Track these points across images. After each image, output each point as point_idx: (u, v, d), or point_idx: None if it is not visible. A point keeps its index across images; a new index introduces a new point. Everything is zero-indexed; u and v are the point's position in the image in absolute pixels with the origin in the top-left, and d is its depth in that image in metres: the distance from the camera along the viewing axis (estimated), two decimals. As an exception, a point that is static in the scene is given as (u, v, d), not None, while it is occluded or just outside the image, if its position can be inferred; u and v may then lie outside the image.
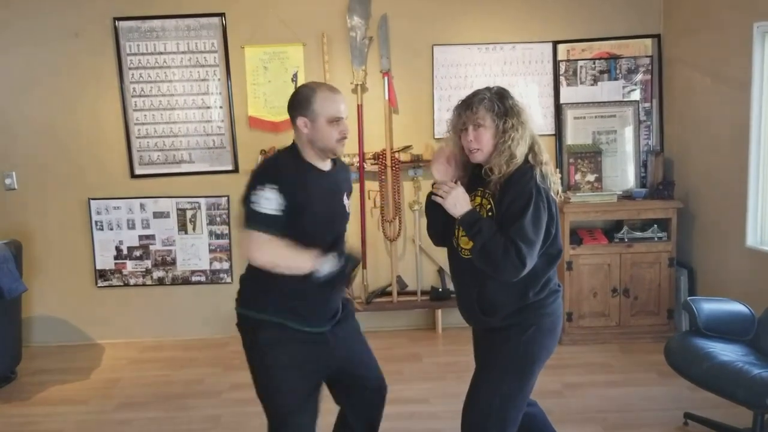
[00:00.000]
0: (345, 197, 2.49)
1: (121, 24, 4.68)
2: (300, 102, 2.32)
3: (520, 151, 2.27)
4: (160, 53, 4.73)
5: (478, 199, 2.37)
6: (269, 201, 2.20)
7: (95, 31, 4.71)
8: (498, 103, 2.30)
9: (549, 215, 2.27)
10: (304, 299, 2.33)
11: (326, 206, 2.38)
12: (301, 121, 2.31)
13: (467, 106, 2.33)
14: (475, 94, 2.34)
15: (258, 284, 2.36)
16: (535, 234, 2.21)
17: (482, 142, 2.31)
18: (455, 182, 2.37)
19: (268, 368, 2.38)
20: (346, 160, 4.77)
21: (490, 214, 2.31)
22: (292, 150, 2.39)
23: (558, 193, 2.35)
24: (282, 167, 2.33)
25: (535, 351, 2.38)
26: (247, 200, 2.22)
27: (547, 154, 2.37)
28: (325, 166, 2.41)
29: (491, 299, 2.37)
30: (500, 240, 2.20)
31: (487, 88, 2.37)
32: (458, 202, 2.31)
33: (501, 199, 2.27)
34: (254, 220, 2.20)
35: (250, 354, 2.39)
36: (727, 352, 3.04)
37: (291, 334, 2.34)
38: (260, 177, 2.26)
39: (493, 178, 2.30)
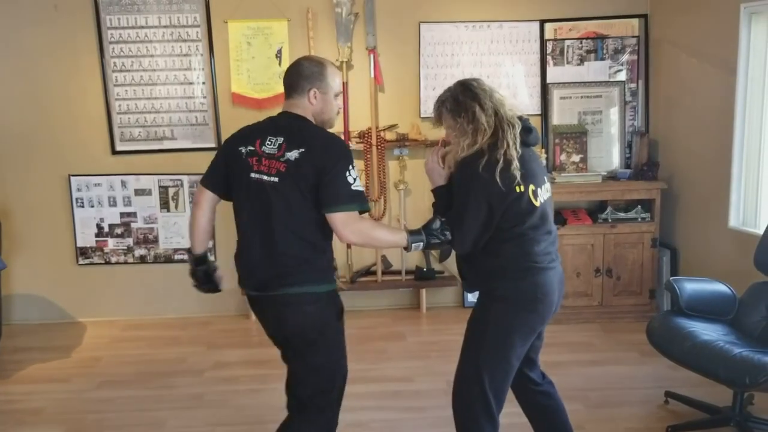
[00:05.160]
0: None
1: (101, -3, 4.59)
2: (312, 74, 2.35)
3: (465, 144, 2.38)
4: (142, 27, 4.64)
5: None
6: (358, 179, 2.32)
7: (75, 4, 4.60)
8: (452, 103, 2.44)
9: (488, 204, 2.31)
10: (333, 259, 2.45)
11: None
12: (312, 92, 2.34)
13: (434, 109, 2.53)
14: (440, 96, 2.51)
15: (325, 256, 2.40)
16: (460, 222, 2.36)
17: (450, 138, 2.49)
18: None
19: (341, 329, 2.43)
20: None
21: None
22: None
23: (516, 180, 2.31)
24: None
25: (509, 323, 2.40)
26: (347, 178, 2.25)
27: (514, 136, 2.36)
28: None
29: (459, 264, 2.58)
30: (444, 221, 2.43)
31: (449, 87, 2.49)
32: (432, 176, 2.52)
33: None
34: (361, 200, 2.29)
35: (326, 327, 2.38)
36: (708, 331, 3.07)
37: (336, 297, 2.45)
38: (350, 154, 2.33)
39: (452, 172, 2.48)
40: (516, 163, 2.33)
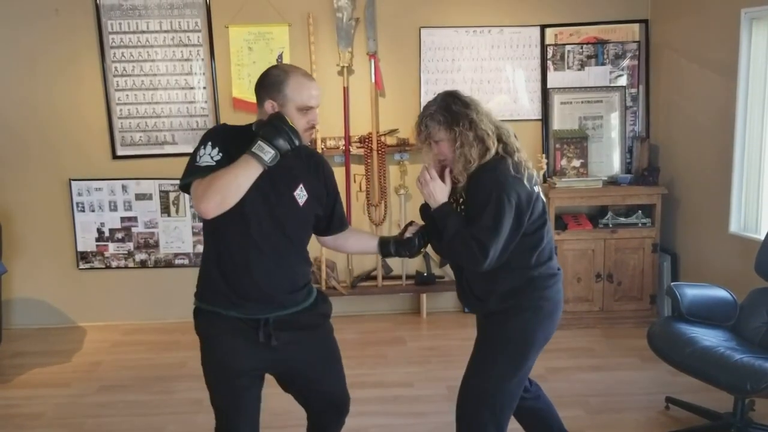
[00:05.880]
0: (300, 188, 2.26)
1: (103, 1, 4.59)
2: (271, 84, 2.17)
3: (474, 154, 2.29)
4: (143, 32, 4.65)
5: (456, 198, 2.42)
6: (208, 156, 2.12)
7: (76, 9, 4.61)
8: (444, 114, 2.32)
9: (518, 208, 2.26)
10: (232, 279, 2.22)
11: (260, 190, 2.13)
12: (269, 104, 2.16)
13: (418, 125, 2.39)
14: (425, 110, 2.38)
15: (200, 272, 2.33)
16: (496, 230, 2.23)
17: (444, 153, 2.36)
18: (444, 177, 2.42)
19: (203, 359, 2.32)
20: (331, 143, 4.74)
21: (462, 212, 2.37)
22: (246, 129, 2.23)
23: (534, 180, 2.34)
24: (228, 135, 2.20)
25: (531, 335, 2.38)
26: (194, 155, 2.15)
27: (516, 141, 2.38)
28: None
29: (473, 286, 2.42)
30: (464, 236, 2.26)
31: (434, 100, 2.39)
32: (433, 194, 2.37)
33: (467, 196, 2.33)
34: (191, 173, 2.11)
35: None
36: (709, 337, 3.06)
37: (223, 323, 2.23)
38: (207, 135, 2.20)
39: (459, 186, 2.37)
40: (530, 164, 2.35)
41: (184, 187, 2.15)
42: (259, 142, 2.05)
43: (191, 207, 4.82)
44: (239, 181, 2.04)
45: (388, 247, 2.46)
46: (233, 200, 2.04)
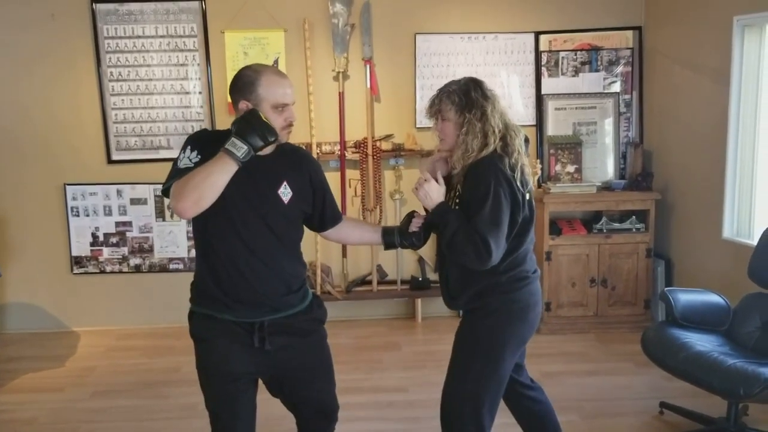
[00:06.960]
0: (284, 185, 2.23)
1: (99, 6, 4.59)
2: (244, 85, 2.17)
3: (476, 145, 2.29)
4: (139, 37, 4.65)
5: (452, 192, 2.42)
6: (187, 158, 2.14)
7: (72, 14, 4.61)
8: (461, 96, 2.33)
9: (514, 203, 2.27)
10: (224, 282, 2.21)
11: (242, 190, 2.14)
12: (243, 104, 2.16)
13: (434, 98, 2.40)
14: (445, 86, 2.39)
15: (194, 275, 2.35)
16: (496, 223, 2.23)
17: (446, 133, 2.38)
18: (436, 177, 2.41)
19: (197, 363, 2.32)
20: (326, 148, 4.74)
21: (457, 207, 2.37)
22: (227, 132, 2.16)
23: (528, 187, 2.35)
24: (208, 139, 2.20)
25: (501, 336, 2.38)
26: (175, 161, 2.17)
27: (524, 145, 2.39)
28: (263, 150, 2.15)
29: (450, 282, 2.45)
30: (465, 232, 2.25)
31: (458, 81, 2.40)
32: (429, 195, 2.36)
33: (463, 190, 2.33)
34: (171, 176, 2.13)
35: None
36: (702, 342, 3.08)
37: (217, 327, 2.23)
38: (188, 139, 2.22)
39: (454, 173, 2.37)
40: (528, 169, 2.35)
41: (165, 192, 2.16)
42: (232, 138, 2.05)
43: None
44: (213, 177, 2.03)
45: (392, 238, 2.46)
46: (209, 198, 2.04)
